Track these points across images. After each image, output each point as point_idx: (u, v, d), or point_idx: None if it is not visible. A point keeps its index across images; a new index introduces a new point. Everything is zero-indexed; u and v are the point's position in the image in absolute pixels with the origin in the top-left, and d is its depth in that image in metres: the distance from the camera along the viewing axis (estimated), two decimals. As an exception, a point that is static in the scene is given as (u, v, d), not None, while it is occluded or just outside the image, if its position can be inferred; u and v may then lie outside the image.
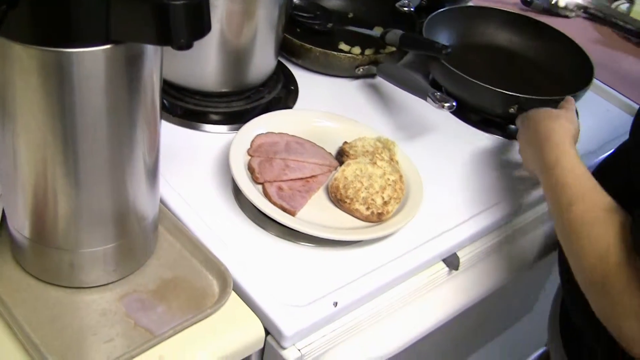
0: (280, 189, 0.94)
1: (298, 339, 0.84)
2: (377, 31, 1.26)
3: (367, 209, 0.94)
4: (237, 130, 1.02)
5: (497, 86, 1.11)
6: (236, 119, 1.07)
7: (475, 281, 1.02)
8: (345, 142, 1.03)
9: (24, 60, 0.65)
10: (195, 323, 0.80)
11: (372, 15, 1.31)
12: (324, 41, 1.23)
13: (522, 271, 1.09)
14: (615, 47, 1.54)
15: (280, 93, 1.15)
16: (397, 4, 1.28)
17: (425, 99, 1.06)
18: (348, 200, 0.94)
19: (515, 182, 1.09)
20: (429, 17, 1.24)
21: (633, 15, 1.58)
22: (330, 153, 1.02)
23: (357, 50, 1.24)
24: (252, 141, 1.00)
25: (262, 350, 0.87)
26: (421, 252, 0.95)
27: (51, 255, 0.78)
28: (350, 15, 1.36)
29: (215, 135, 1.06)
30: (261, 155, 0.98)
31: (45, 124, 0.69)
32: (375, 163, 0.97)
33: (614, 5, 1.64)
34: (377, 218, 0.94)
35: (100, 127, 0.71)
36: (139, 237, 0.82)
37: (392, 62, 1.22)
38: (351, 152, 1.01)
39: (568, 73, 1.24)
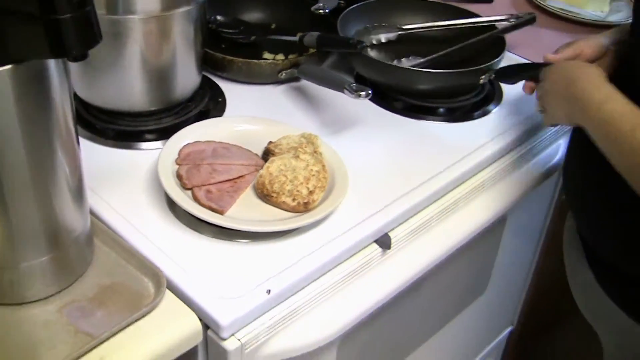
0: (208, 192, 0.98)
1: (236, 329, 0.88)
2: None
3: (294, 200, 0.98)
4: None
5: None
6: (167, 134, 1.11)
7: (410, 260, 1.06)
8: (270, 142, 1.07)
9: None
10: (133, 322, 0.83)
11: (293, 23, 1.36)
12: (249, 53, 1.28)
13: (457, 247, 1.13)
14: (538, 24, 1.61)
15: (208, 105, 1.20)
16: (312, 8, 1.33)
17: (343, 91, 1.11)
18: (274, 195, 0.99)
19: (442, 160, 1.13)
20: (341, 15, 1.29)
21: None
22: (256, 154, 1.07)
23: (280, 57, 1.29)
24: (180, 151, 1.05)
25: (206, 346, 0.90)
26: (352, 234, 0.99)
27: (-11, 272, 0.81)
28: (273, 25, 1.41)
29: (148, 152, 1.10)
30: (189, 162, 1.02)
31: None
32: (298, 157, 1.02)
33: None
34: (304, 207, 0.98)
35: (16, 147, 0.75)
36: (71, 249, 0.86)
37: (314, 63, 1.27)
38: (276, 150, 1.05)
39: (483, 48, 1.30)
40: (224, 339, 0.87)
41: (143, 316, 0.84)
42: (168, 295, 0.87)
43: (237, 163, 1.04)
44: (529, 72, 1.20)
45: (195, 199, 0.97)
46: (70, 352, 0.79)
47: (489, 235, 1.29)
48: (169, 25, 1.09)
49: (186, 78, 1.16)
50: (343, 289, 0.99)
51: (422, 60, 1.30)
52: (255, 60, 1.24)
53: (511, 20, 1.39)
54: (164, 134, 1.13)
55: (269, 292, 0.89)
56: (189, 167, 1.01)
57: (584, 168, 1.09)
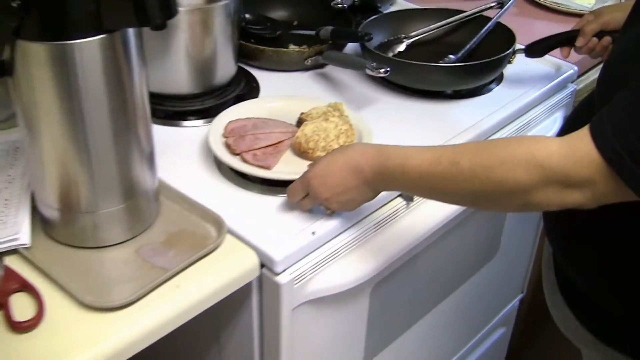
0: (254, 155, 1.13)
1: (287, 265, 1.02)
2: (317, 31, 1.48)
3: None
4: (210, 122, 1.22)
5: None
6: (209, 114, 1.27)
7: (430, 212, 1.20)
8: (302, 112, 1.22)
9: (38, 55, 0.84)
10: (200, 259, 0.98)
11: (314, 19, 1.51)
12: (275, 46, 1.43)
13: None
14: (528, 14, 1.77)
15: (244, 89, 1.35)
16: (332, 3, 1.49)
17: (365, 70, 1.26)
18: (310, 151, 1.13)
19: (454, 127, 1.28)
20: (363, 23, 1.45)
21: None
22: (291, 124, 1.22)
23: (305, 47, 1.44)
24: (225, 127, 1.19)
25: (260, 283, 1.04)
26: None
27: (77, 219, 0.96)
28: (295, 22, 1.56)
29: (193, 129, 1.25)
30: (234, 135, 1.17)
31: (59, 107, 0.88)
32: (328, 119, 1.17)
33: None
34: None
35: (102, 108, 0.90)
36: (142, 200, 1.00)
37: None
38: (307, 119, 1.20)
39: (497, 46, 1.43)
40: (277, 274, 1.01)
41: (208, 253, 0.98)
42: (228, 237, 1.01)
43: (275, 131, 1.18)
44: (558, 41, 1.38)
45: (245, 161, 1.12)
46: (150, 282, 0.93)
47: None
48: (211, 16, 1.24)
49: (225, 65, 1.31)
50: (374, 237, 1.13)
51: (454, 57, 1.45)
52: (285, 49, 1.39)
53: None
54: (206, 114, 1.28)
55: (313, 233, 1.04)
56: (235, 138, 1.16)
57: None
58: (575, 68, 1.51)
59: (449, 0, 1.72)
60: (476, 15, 1.53)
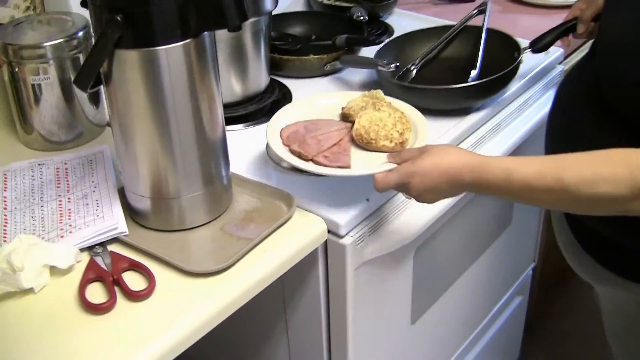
0: (325, 157, 1.17)
1: (350, 229, 1.18)
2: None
3: (390, 142, 1.18)
4: (253, 125, 1.39)
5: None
6: (251, 117, 1.43)
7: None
8: (343, 107, 1.34)
9: (132, 61, 1.00)
10: (277, 228, 1.13)
11: (329, 32, 1.66)
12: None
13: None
14: (511, 11, 1.96)
15: (278, 95, 1.51)
16: (354, 17, 1.67)
17: (377, 68, 1.43)
18: (373, 141, 1.18)
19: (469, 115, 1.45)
20: (379, 48, 1.57)
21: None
22: (337, 120, 1.32)
23: (323, 56, 1.60)
24: (280, 136, 1.22)
25: (326, 249, 1.20)
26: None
27: (166, 205, 1.11)
28: (313, 36, 1.73)
29: (239, 131, 1.41)
30: (294, 141, 1.20)
31: (150, 106, 1.04)
32: (379, 109, 1.24)
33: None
34: (401, 147, 1.18)
35: (185, 103, 1.05)
36: (219, 186, 1.15)
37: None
38: (351, 112, 1.26)
39: (499, 50, 1.53)
40: (342, 236, 1.17)
41: (284, 223, 1.14)
42: (297, 210, 1.17)
43: (331, 130, 1.23)
44: (560, 33, 1.49)
45: (320, 165, 1.15)
46: (240, 249, 1.08)
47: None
48: (252, 31, 1.40)
49: (262, 73, 1.48)
50: (414, 204, 1.29)
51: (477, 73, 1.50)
52: (306, 57, 1.56)
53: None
54: (248, 118, 1.44)
55: (367, 200, 1.20)
56: (297, 144, 1.19)
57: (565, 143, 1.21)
58: (562, 50, 1.70)
59: (439, 13, 1.91)
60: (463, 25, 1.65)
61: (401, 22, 1.85)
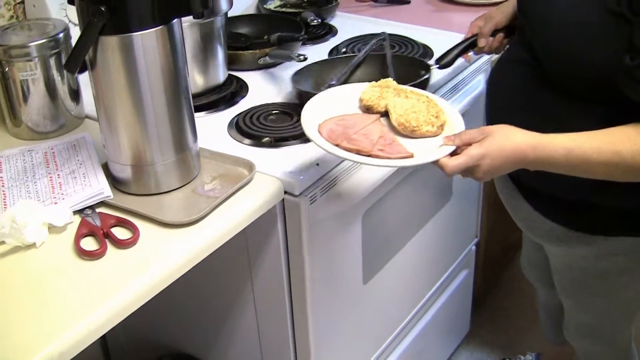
0: (381, 150, 1.19)
1: (303, 189, 1.37)
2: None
3: (432, 126, 1.23)
4: (215, 112, 1.59)
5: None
6: (213, 106, 1.62)
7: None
8: (360, 100, 1.32)
9: (112, 46, 1.19)
10: (241, 188, 1.32)
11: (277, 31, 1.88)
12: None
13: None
14: (444, 10, 2.19)
15: (236, 87, 1.71)
16: (309, 20, 1.88)
17: (291, 60, 1.66)
18: (417, 128, 1.22)
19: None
20: (295, 72, 1.65)
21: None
22: (361, 113, 1.32)
23: (256, 51, 1.77)
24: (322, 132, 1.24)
25: (284, 210, 1.39)
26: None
27: (144, 171, 1.29)
28: (265, 37, 1.93)
29: (202, 117, 1.60)
30: (340, 139, 1.22)
31: (128, 85, 1.23)
32: (407, 96, 1.29)
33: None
34: (441, 129, 1.24)
35: (159, 81, 1.24)
36: (189, 154, 1.34)
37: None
38: (371, 103, 1.30)
39: (411, 74, 1.57)
40: (297, 196, 1.37)
41: (246, 184, 1.33)
42: (258, 174, 1.36)
43: (367, 123, 1.26)
44: (463, 48, 1.59)
45: (381, 157, 1.18)
46: (210, 204, 1.27)
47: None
48: (210, 29, 1.60)
49: (220, 67, 1.67)
50: (360, 169, 1.50)
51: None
52: (241, 52, 1.76)
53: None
54: (212, 106, 1.63)
55: (318, 165, 1.40)
56: (347, 141, 1.21)
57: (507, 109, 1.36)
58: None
59: (378, 14, 2.13)
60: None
61: (345, 23, 2.06)
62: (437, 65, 1.59)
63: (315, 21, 1.91)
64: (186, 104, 1.31)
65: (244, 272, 1.52)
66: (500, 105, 1.22)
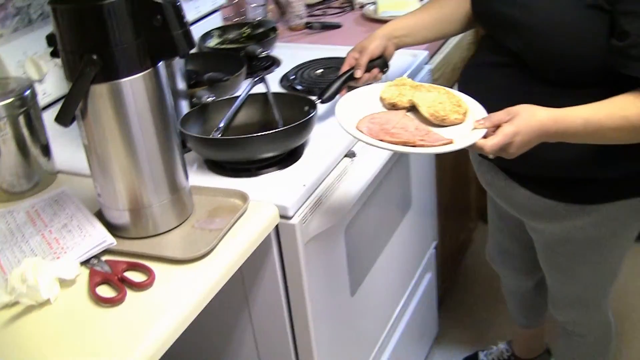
0: (422, 140, 1.28)
1: (295, 210, 1.42)
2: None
3: (459, 114, 1.34)
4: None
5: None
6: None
7: (366, 163, 1.64)
8: (383, 99, 1.40)
9: (102, 94, 1.21)
10: (240, 217, 1.36)
11: (230, 69, 1.90)
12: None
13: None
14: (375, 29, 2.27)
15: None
16: (257, 52, 1.92)
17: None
18: (446, 117, 1.32)
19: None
20: (182, 116, 1.61)
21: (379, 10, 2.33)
22: (387, 110, 1.40)
23: (191, 89, 1.77)
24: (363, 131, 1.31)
25: (278, 233, 1.43)
26: (331, 154, 1.56)
27: (143, 214, 1.31)
28: (210, 73, 1.96)
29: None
30: (382, 135, 1.29)
31: (120, 131, 1.24)
32: (429, 90, 1.39)
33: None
34: (464, 116, 1.34)
35: (149, 124, 1.27)
36: (183, 193, 1.37)
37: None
38: (395, 100, 1.39)
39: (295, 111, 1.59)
40: (290, 217, 1.41)
41: (243, 214, 1.37)
42: (252, 202, 1.40)
43: (399, 118, 1.34)
44: (343, 81, 1.60)
45: (426, 146, 1.27)
46: (215, 237, 1.30)
47: (402, 159, 1.90)
48: (172, 69, 1.63)
49: (184, 103, 1.70)
50: (339, 186, 1.56)
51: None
52: (189, 90, 1.77)
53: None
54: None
55: (304, 185, 1.45)
56: (389, 136, 1.28)
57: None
58: (427, 52, 2.02)
59: (314, 40, 2.20)
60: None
61: (285, 52, 2.13)
62: (320, 100, 1.60)
63: (263, 53, 1.96)
64: (176, 142, 1.34)
65: (240, 302, 1.55)
66: (497, 107, 1.31)
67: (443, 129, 1.34)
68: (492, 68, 1.52)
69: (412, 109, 1.38)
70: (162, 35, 1.21)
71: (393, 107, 1.40)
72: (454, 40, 2.23)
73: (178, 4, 1.21)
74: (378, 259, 1.86)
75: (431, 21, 1.65)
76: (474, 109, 1.37)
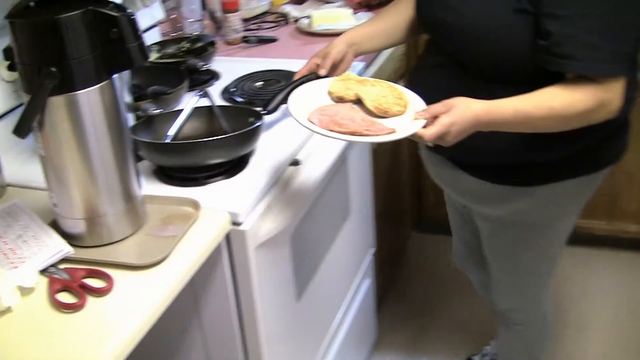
0: (368, 130, 1.37)
1: (245, 216, 1.47)
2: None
3: (400, 106, 1.43)
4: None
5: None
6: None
7: (311, 170, 1.71)
8: (331, 93, 1.49)
9: (59, 105, 1.24)
10: (193, 224, 1.40)
11: (171, 83, 1.94)
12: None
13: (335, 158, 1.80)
14: (309, 42, 2.35)
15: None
16: (198, 65, 1.96)
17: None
18: (389, 109, 1.42)
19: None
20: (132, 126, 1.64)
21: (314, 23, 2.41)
22: (335, 103, 1.47)
23: (135, 103, 1.80)
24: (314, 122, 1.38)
25: (228, 240, 1.48)
26: (276, 161, 1.62)
27: (98, 222, 1.34)
28: (154, 86, 2.00)
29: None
30: (332, 126, 1.37)
31: (77, 142, 1.28)
32: (373, 85, 1.48)
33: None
34: (406, 108, 1.44)
35: (104, 135, 1.31)
36: (137, 202, 1.40)
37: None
38: (339, 94, 1.48)
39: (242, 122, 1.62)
40: (240, 224, 1.46)
41: (195, 220, 1.41)
42: (204, 210, 1.45)
43: (346, 110, 1.42)
44: (286, 94, 1.59)
45: (372, 135, 1.36)
46: (170, 243, 1.34)
47: (342, 166, 1.97)
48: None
49: (128, 116, 1.74)
50: (285, 193, 1.62)
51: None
52: (134, 103, 1.80)
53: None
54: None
55: (258, 187, 1.50)
56: (338, 126, 1.37)
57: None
58: (364, 63, 2.10)
59: (251, 54, 2.27)
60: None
61: (224, 66, 2.18)
62: (265, 111, 1.65)
63: (204, 66, 2.01)
64: (130, 153, 1.38)
65: (190, 307, 1.59)
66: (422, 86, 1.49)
67: (386, 119, 1.42)
68: (434, 69, 1.64)
69: (358, 102, 1.47)
70: (118, 47, 1.25)
71: (340, 100, 1.48)
72: (386, 53, 2.31)
73: (133, 17, 1.25)
74: (321, 265, 1.92)
75: (386, 29, 1.76)
76: (414, 101, 1.46)
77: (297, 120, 1.40)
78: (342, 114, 1.41)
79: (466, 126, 1.38)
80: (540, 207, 1.68)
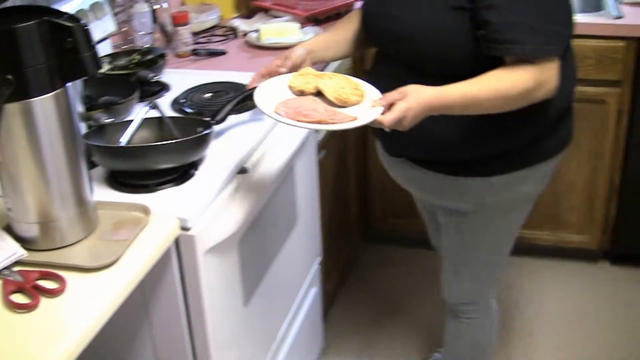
0: (332, 119, 1.46)
1: (194, 222, 1.52)
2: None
3: (358, 96, 1.53)
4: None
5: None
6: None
7: (259, 179, 1.77)
8: (291, 87, 1.57)
9: (14, 112, 1.29)
10: (143, 228, 1.45)
11: (124, 93, 1.99)
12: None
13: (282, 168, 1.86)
14: (258, 55, 2.42)
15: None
16: (149, 77, 2.01)
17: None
18: (348, 99, 1.51)
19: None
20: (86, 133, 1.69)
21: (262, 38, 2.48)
22: (297, 96, 1.55)
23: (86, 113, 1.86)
24: (280, 114, 1.46)
25: (177, 245, 1.53)
26: (225, 171, 1.68)
27: (51, 226, 1.38)
28: (105, 97, 2.04)
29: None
30: (297, 117, 1.45)
31: (30, 148, 1.32)
32: (331, 78, 1.56)
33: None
34: (363, 97, 1.53)
35: (58, 142, 1.35)
36: (89, 207, 1.45)
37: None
38: (303, 87, 1.55)
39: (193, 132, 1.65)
40: (189, 229, 1.51)
41: (146, 225, 1.46)
42: (153, 215, 1.50)
43: (309, 102, 1.50)
44: (237, 103, 1.74)
45: (336, 123, 1.46)
46: (122, 247, 1.39)
47: (289, 175, 2.04)
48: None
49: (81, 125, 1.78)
50: (233, 202, 1.67)
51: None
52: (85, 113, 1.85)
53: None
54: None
55: (201, 198, 1.56)
56: (303, 117, 1.45)
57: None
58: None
59: (201, 66, 2.33)
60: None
61: (174, 78, 2.23)
62: (214, 121, 1.72)
63: (155, 78, 2.06)
64: (83, 159, 1.42)
65: (140, 310, 1.63)
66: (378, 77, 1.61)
67: (346, 109, 1.52)
68: (385, 76, 1.71)
69: (318, 94, 1.56)
70: (72, 57, 1.30)
71: (301, 93, 1.56)
72: (334, 65, 2.37)
73: (87, 27, 1.30)
74: (269, 272, 1.98)
75: (341, 40, 1.86)
76: (370, 91, 1.56)
77: (267, 114, 1.47)
78: (305, 106, 1.49)
79: (420, 111, 1.48)
80: (498, 197, 1.78)
